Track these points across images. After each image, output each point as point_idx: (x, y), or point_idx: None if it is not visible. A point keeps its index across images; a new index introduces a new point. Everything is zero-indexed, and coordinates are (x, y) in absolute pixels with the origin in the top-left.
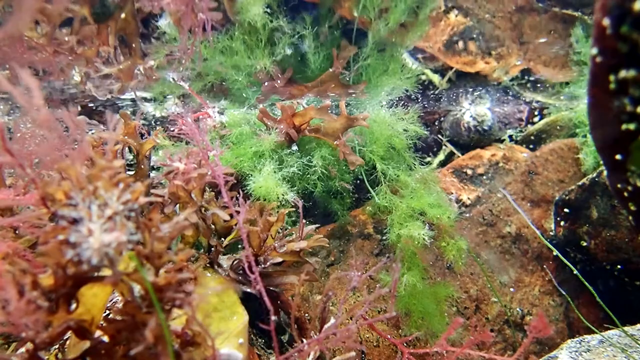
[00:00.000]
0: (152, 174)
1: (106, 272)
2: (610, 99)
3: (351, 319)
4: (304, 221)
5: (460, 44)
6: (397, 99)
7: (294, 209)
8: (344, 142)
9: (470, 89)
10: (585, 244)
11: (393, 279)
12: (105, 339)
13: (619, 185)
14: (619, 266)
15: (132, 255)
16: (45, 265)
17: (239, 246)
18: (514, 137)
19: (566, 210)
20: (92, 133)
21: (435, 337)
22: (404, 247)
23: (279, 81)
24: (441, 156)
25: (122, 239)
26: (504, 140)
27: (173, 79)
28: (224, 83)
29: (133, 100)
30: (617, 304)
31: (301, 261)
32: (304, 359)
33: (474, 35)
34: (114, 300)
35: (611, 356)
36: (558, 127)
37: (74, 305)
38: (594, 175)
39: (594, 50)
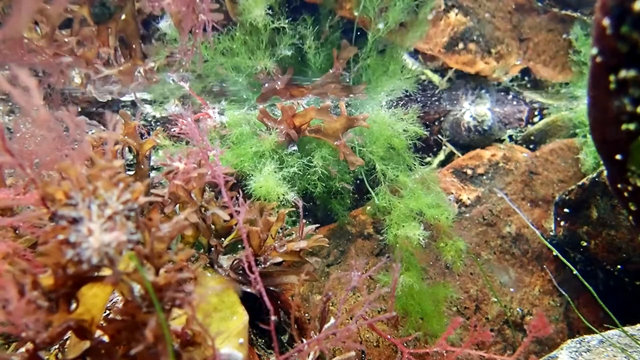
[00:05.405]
0: (152, 174)
1: (106, 271)
2: (610, 99)
3: (351, 319)
4: (304, 221)
5: (461, 45)
6: (397, 99)
7: (294, 209)
8: (344, 142)
9: (471, 89)
10: (585, 244)
11: (393, 279)
12: (106, 338)
13: (619, 185)
14: (619, 266)
15: (132, 255)
16: (45, 265)
17: (239, 246)
18: (514, 137)
19: (566, 210)
20: (92, 133)
21: (434, 337)
22: (403, 247)
23: (279, 82)
24: (441, 156)
25: (122, 239)
26: (504, 140)
27: (173, 80)
28: (224, 84)
29: (133, 101)
30: (617, 304)
31: (301, 261)
32: (303, 359)
33: (475, 37)
34: (114, 300)
35: (611, 356)
36: (558, 127)
37: (74, 305)
38: (594, 175)
39: (594, 50)
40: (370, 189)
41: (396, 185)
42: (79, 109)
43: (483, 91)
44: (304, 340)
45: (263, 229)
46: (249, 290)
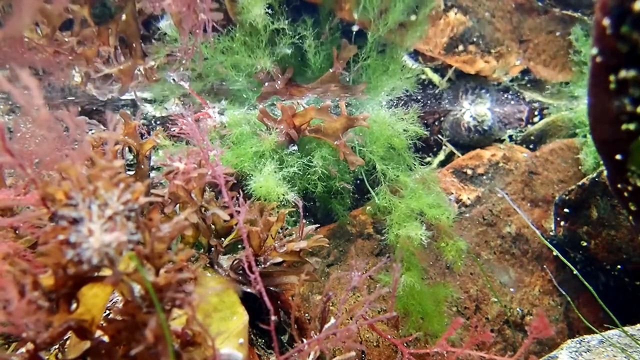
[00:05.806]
0: (152, 174)
1: (106, 272)
2: (610, 99)
3: (351, 319)
4: (304, 221)
5: (460, 46)
6: (397, 99)
7: (294, 209)
8: (344, 142)
9: (470, 89)
10: (585, 244)
11: (393, 279)
12: (106, 339)
13: (619, 185)
14: (619, 266)
15: (132, 255)
16: (45, 265)
17: (239, 246)
18: (514, 137)
19: (566, 210)
20: (92, 133)
21: (434, 337)
22: (404, 247)
23: (279, 82)
24: (441, 156)
25: (122, 239)
26: (504, 140)
27: (173, 79)
28: (224, 83)
29: (133, 100)
30: (617, 304)
31: (301, 261)
32: (304, 359)
33: (474, 39)
34: (114, 300)
35: (611, 356)
36: (558, 127)
37: (74, 305)
38: (594, 175)
39: (594, 50)
40: (370, 188)
41: (396, 185)
42: (79, 108)
43: (483, 91)
44: (304, 340)
45: (263, 229)
46: (249, 290)
